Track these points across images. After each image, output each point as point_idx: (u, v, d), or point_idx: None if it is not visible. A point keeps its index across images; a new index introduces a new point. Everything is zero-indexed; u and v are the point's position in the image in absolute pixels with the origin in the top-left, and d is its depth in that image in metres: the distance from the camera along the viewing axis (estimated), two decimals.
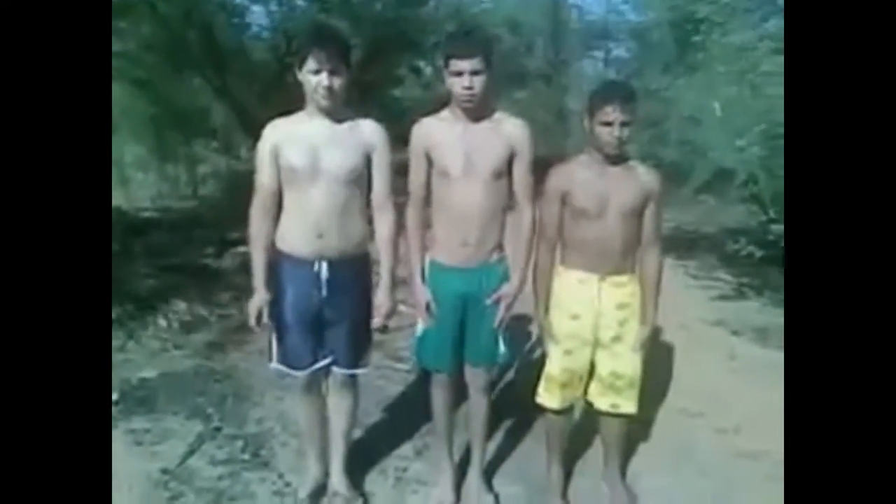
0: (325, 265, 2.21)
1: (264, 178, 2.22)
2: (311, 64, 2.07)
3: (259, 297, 2.26)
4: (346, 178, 2.17)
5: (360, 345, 2.37)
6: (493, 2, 8.77)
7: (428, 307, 2.33)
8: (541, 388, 2.46)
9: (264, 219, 2.24)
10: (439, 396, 2.48)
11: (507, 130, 2.22)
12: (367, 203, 2.28)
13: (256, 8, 7.35)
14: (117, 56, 5.10)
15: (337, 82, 2.09)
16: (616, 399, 2.41)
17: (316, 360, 2.32)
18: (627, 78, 9.48)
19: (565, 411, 2.48)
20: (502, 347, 2.38)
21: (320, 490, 2.50)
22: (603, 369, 2.39)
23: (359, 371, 2.42)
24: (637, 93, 2.31)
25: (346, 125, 2.19)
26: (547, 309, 2.41)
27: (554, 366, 2.41)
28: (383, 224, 2.30)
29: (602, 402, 2.44)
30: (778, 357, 3.23)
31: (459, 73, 2.09)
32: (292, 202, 2.21)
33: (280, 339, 2.32)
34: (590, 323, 2.34)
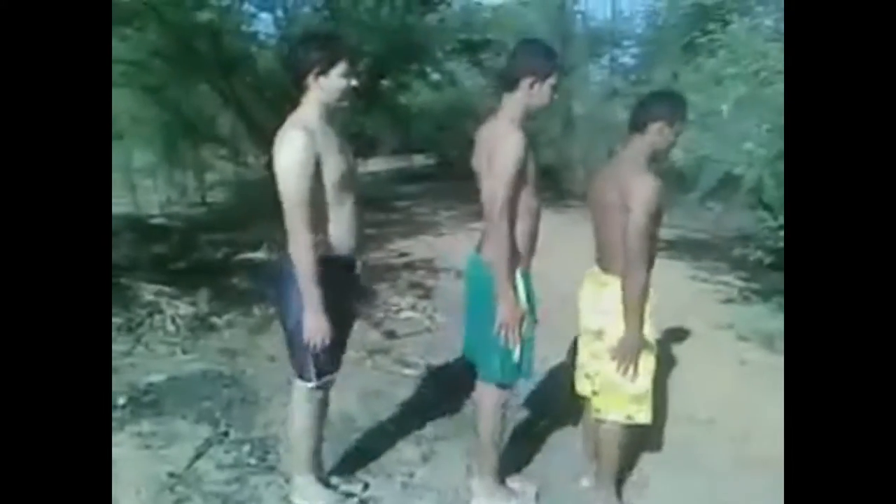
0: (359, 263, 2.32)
1: (309, 189, 2.10)
2: (342, 68, 2.14)
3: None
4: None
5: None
6: (498, 10, 8.81)
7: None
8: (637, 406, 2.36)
9: (316, 231, 2.14)
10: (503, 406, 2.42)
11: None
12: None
13: (264, 16, 7.41)
14: (126, 64, 5.14)
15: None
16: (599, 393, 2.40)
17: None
18: (634, 84, 9.49)
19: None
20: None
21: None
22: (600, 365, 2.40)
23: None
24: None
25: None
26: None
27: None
28: None
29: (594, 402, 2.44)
30: None
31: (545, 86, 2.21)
32: (336, 207, 2.18)
33: (320, 353, 2.21)
34: (584, 312, 2.44)
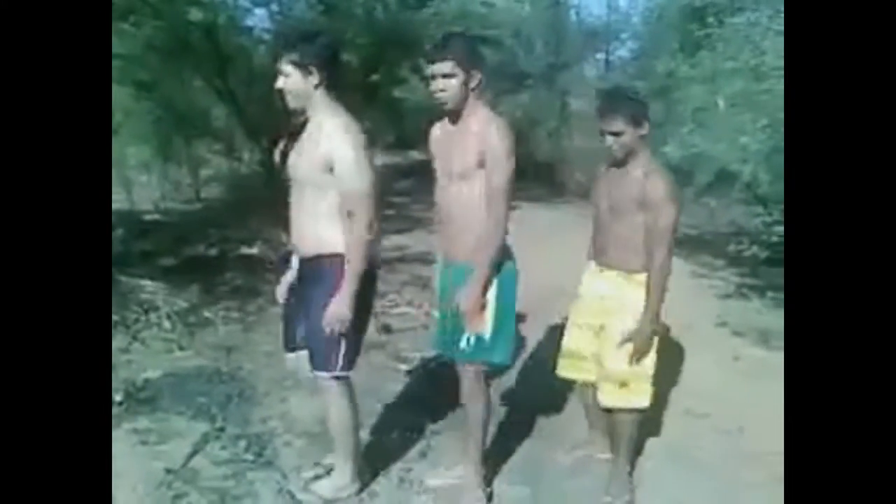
0: (296, 260, 2.39)
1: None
2: (281, 65, 2.17)
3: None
4: (309, 182, 2.22)
5: (323, 348, 2.28)
6: (492, 4, 8.76)
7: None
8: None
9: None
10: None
11: (479, 129, 2.23)
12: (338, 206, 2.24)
13: (259, 11, 7.35)
14: (120, 58, 5.11)
15: (311, 80, 2.17)
16: (602, 386, 2.52)
17: (296, 348, 2.44)
18: (630, 79, 9.49)
19: (590, 385, 2.61)
20: (464, 345, 2.34)
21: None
22: (600, 358, 2.51)
23: (323, 374, 2.32)
24: (641, 101, 2.42)
25: (318, 128, 2.20)
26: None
27: (567, 337, 2.63)
28: (349, 227, 2.19)
29: (605, 395, 2.53)
30: (780, 358, 3.23)
31: (433, 77, 2.22)
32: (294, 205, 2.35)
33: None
34: (589, 306, 2.53)
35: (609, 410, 2.56)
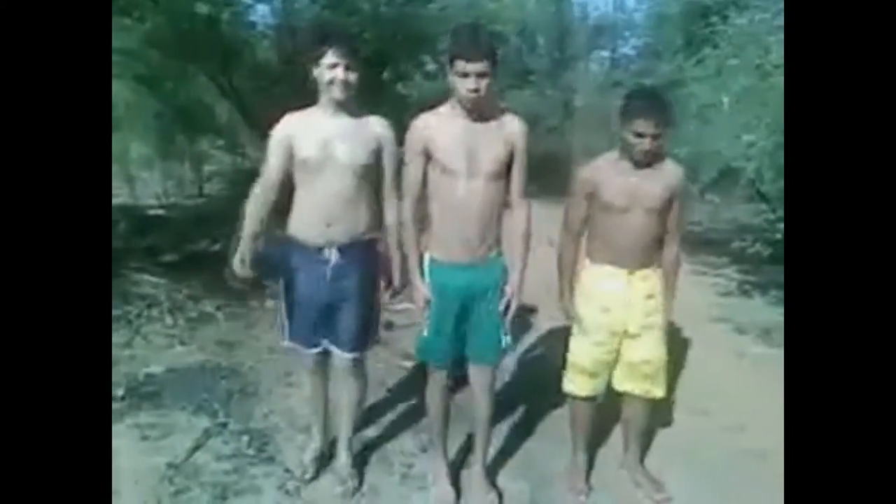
0: (334, 251, 2.31)
1: (272, 168, 2.32)
2: (329, 58, 2.16)
3: (241, 258, 2.38)
4: (358, 170, 2.27)
5: (362, 329, 2.43)
6: (498, 1, 8.71)
7: (427, 303, 2.32)
8: (567, 378, 2.55)
9: (264, 205, 2.36)
10: (436, 394, 2.48)
11: (508, 130, 2.22)
12: (375, 193, 2.38)
13: (262, 7, 7.34)
14: (122, 53, 5.10)
15: (353, 77, 2.21)
16: (645, 384, 2.49)
17: (321, 341, 2.44)
18: (635, 76, 9.46)
19: (593, 398, 2.56)
20: (505, 342, 2.38)
21: (321, 458, 2.65)
22: (633, 357, 2.46)
23: (357, 355, 2.46)
24: (668, 101, 2.35)
25: (357, 120, 2.30)
26: (572, 300, 2.50)
27: (584, 357, 2.48)
28: (394, 212, 2.38)
29: (633, 388, 2.51)
30: (782, 356, 3.22)
31: (465, 75, 2.08)
32: (305, 192, 2.31)
33: (290, 320, 2.45)
34: (620, 315, 2.41)
35: (634, 401, 2.58)
